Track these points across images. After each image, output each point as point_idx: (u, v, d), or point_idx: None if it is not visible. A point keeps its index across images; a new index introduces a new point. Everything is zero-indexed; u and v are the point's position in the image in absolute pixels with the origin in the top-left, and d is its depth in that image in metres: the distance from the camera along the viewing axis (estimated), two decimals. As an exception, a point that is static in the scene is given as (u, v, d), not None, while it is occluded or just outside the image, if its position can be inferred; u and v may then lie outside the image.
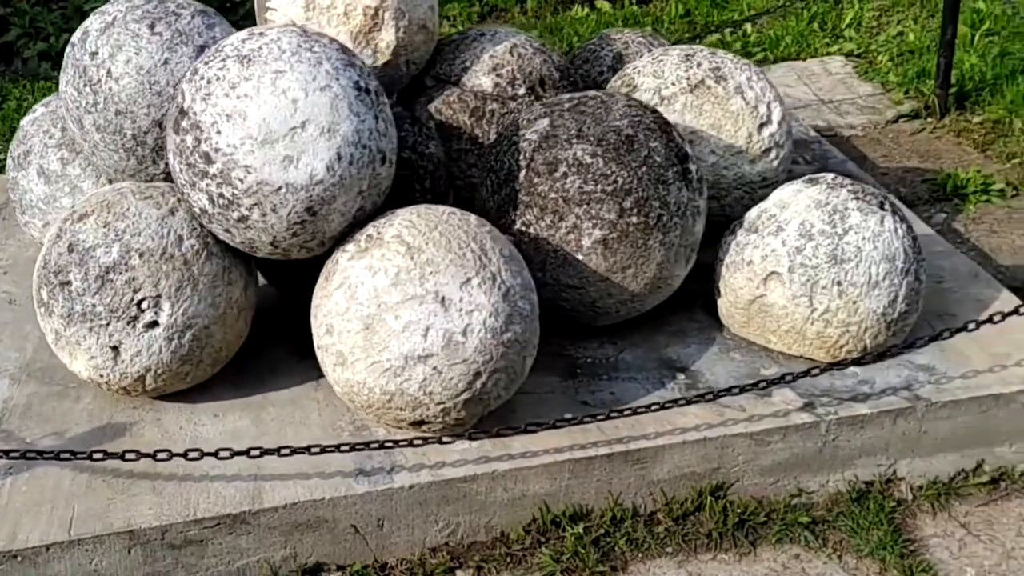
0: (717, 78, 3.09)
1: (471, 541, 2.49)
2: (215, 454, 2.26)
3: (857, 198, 2.69)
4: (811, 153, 3.85)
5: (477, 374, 2.33)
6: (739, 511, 2.54)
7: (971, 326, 2.52)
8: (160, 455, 2.22)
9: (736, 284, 2.75)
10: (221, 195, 2.35)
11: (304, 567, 2.41)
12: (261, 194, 2.33)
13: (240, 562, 2.37)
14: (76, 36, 2.74)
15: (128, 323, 2.45)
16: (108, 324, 2.45)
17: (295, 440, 2.50)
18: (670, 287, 2.79)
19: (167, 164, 2.52)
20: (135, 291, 2.44)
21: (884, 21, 5.47)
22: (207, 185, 2.35)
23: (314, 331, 2.45)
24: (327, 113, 2.33)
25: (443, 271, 2.32)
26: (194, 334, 2.50)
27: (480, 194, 2.81)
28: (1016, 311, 2.50)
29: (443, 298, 2.31)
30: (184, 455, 2.23)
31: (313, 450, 2.28)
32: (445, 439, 2.38)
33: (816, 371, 2.48)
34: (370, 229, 2.42)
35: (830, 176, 2.80)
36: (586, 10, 6.09)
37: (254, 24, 2.78)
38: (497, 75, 3.14)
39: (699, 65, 3.11)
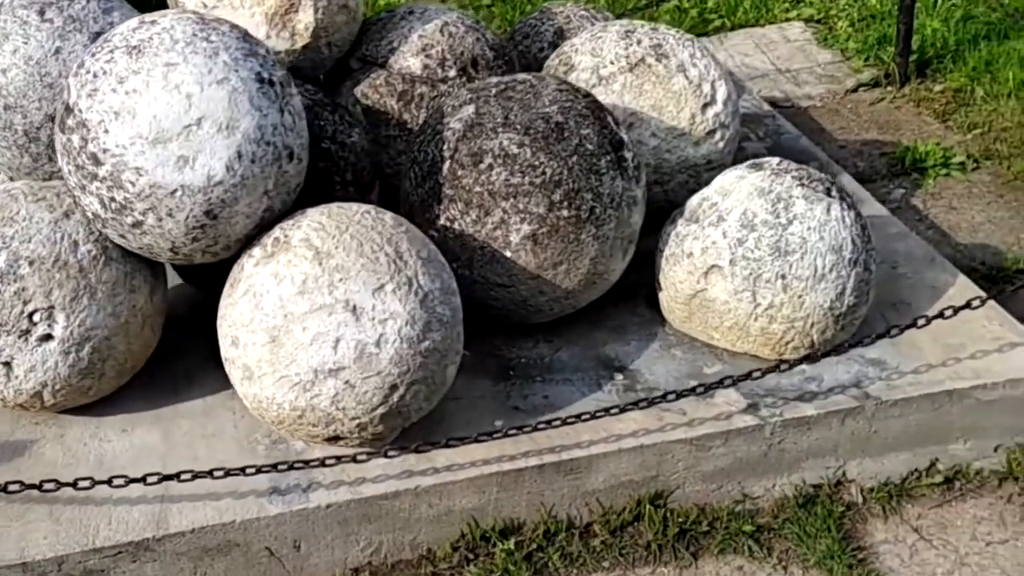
0: (658, 56, 2.91)
1: (395, 560, 2.35)
2: (108, 482, 2.10)
3: (802, 185, 2.53)
4: (764, 129, 3.69)
5: (393, 387, 2.18)
6: (680, 520, 2.41)
7: (921, 322, 2.38)
8: (47, 485, 2.06)
9: (676, 278, 2.60)
10: (112, 199, 2.17)
11: (216, 594, 2.26)
12: (155, 198, 2.15)
13: (146, 591, 2.22)
14: (-38, 24, 2.54)
15: (19, 337, 2.28)
16: (-2, 338, 2.27)
17: (207, 456, 2.35)
18: (607, 282, 2.63)
19: (61, 163, 2.34)
20: (25, 302, 2.26)
21: (845, -16, 5.29)
22: (97, 188, 2.17)
23: (220, 342, 2.29)
24: (225, 108, 2.15)
25: (354, 277, 2.15)
26: (93, 346, 2.33)
27: (404, 186, 2.64)
28: (968, 305, 2.36)
29: (354, 307, 2.14)
30: (73, 484, 2.06)
31: (217, 474, 2.12)
32: (361, 457, 2.22)
33: (758, 373, 2.34)
34: (277, 232, 2.25)
35: (775, 160, 2.64)
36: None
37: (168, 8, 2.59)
38: (426, 56, 2.96)
39: (639, 42, 2.94)
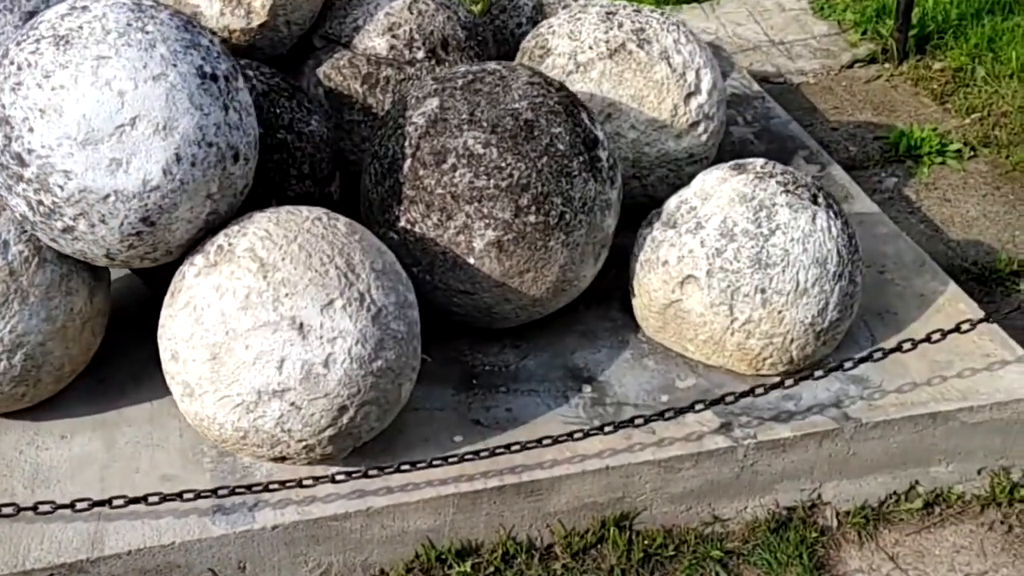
0: (640, 41, 2.74)
1: (346, 582, 2.24)
2: (34, 508, 1.97)
3: (787, 191, 2.38)
4: (752, 112, 3.51)
5: (342, 408, 2.05)
6: (645, 544, 2.30)
7: (906, 346, 2.25)
8: (-36, 512, 1.93)
9: (651, 285, 2.46)
10: (40, 202, 2.01)
11: (154, 617, 2.15)
12: (86, 203, 1.99)
13: (79, 616, 2.10)
14: None
15: (-54, 344, 2.14)
16: (-76, 344, 2.13)
17: (149, 468, 2.22)
18: (577, 288, 2.49)
19: None
20: (-49, 308, 2.12)
21: (846, -52, 5.07)
22: (23, 190, 2.01)
23: (161, 354, 2.15)
24: (162, 107, 1.98)
25: (301, 292, 2.01)
26: (26, 353, 2.19)
27: (364, 182, 2.48)
28: (957, 328, 2.23)
29: (300, 324, 2.00)
30: (-7, 511, 1.94)
31: (152, 500, 1.99)
32: (307, 482, 2.09)
33: (731, 398, 2.21)
34: (221, 238, 2.10)
35: (760, 162, 2.48)
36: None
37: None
38: (393, 36, 2.78)
39: (620, 25, 2.76)
